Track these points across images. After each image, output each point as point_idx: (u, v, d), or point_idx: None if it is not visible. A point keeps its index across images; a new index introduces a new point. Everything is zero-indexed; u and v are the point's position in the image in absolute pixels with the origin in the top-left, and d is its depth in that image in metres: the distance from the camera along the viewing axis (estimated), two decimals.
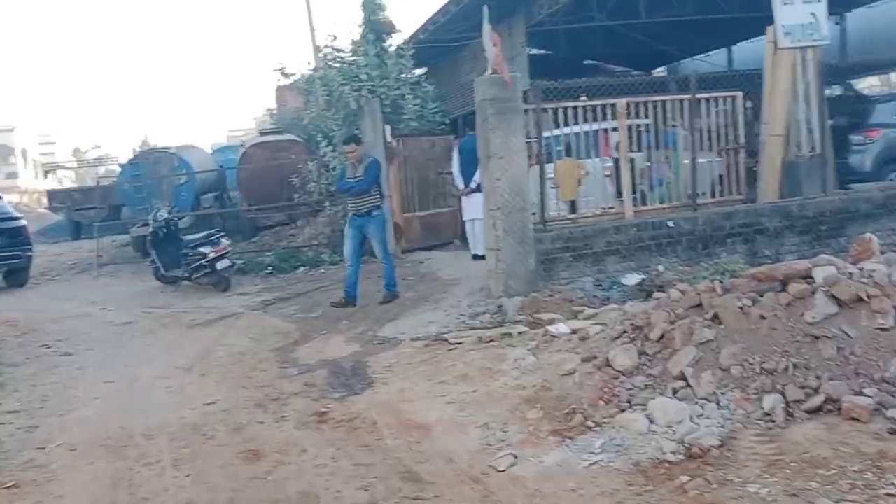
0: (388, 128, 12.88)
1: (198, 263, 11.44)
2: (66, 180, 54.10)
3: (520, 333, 7.00)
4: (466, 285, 9.39)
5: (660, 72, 22.01)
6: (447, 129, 13.98)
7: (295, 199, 14.20)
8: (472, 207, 11.22)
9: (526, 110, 8.73)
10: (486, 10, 8.53)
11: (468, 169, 11.28)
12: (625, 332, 5.41)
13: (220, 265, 11.50)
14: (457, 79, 18.75)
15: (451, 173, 12.39)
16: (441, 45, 16.56)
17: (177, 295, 11.68)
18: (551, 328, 6.20)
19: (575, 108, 9.06)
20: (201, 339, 8.39)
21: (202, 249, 11.37)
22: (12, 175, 58.59)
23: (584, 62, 20.97)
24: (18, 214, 14.24)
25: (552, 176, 9.60)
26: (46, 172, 48.41)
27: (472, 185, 11.15)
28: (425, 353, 6.85)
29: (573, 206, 9.88)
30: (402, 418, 5.17)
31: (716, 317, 4.99)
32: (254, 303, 10.43)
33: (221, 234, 12.02)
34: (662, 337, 5.08)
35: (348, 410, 5.46)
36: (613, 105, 9.33)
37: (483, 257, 10.89)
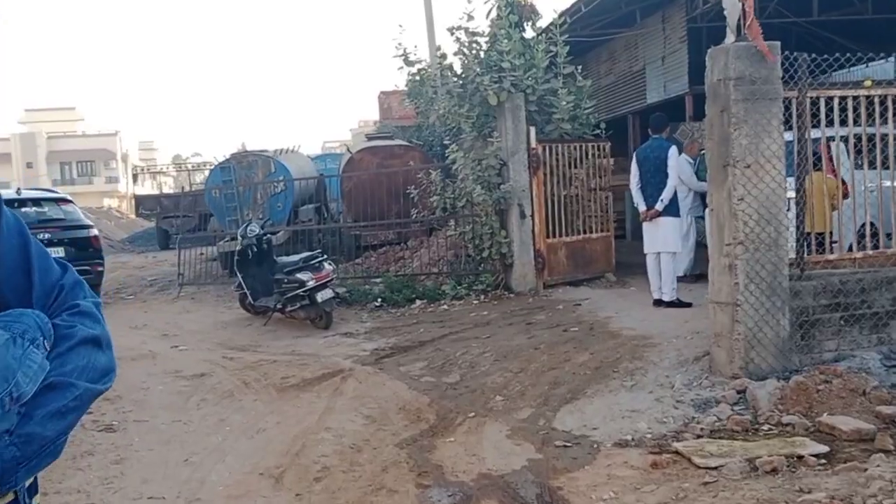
0: (532, 130, 10.22)
1: (294, 293, 9.03)
2: (165, 186, 53.78)
3: (818, 458, 4.20)
4: (668, 349, 6.56)
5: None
6: (599, 135, 11.12)
7: (413, 214, 11.64)
8: (658, 236, 8.35)
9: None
10: None
11: (651, 184, 8.44)
12: None
13: (320, 296, 9.05)
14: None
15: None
16: (575, 41, 13.92)
17: (266, 331, 9.31)
18: None
19: (851, 98, 6.09)
20: (296, 414, 5.85)
21: (300, 276, 8.96)
22: (113, 180, 58.93)
23: None
24: (89, 222, 12.18)
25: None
26: (135, 176, 47.90)
27: (658, 206, 8.29)
28: (661, 486, 4.11)
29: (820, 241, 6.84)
30: None
31: None
32: (364, 352, 7.87)
33: (324, 257, 9.56)
34: None
35: None
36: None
37: (670, 304, 8.14)
